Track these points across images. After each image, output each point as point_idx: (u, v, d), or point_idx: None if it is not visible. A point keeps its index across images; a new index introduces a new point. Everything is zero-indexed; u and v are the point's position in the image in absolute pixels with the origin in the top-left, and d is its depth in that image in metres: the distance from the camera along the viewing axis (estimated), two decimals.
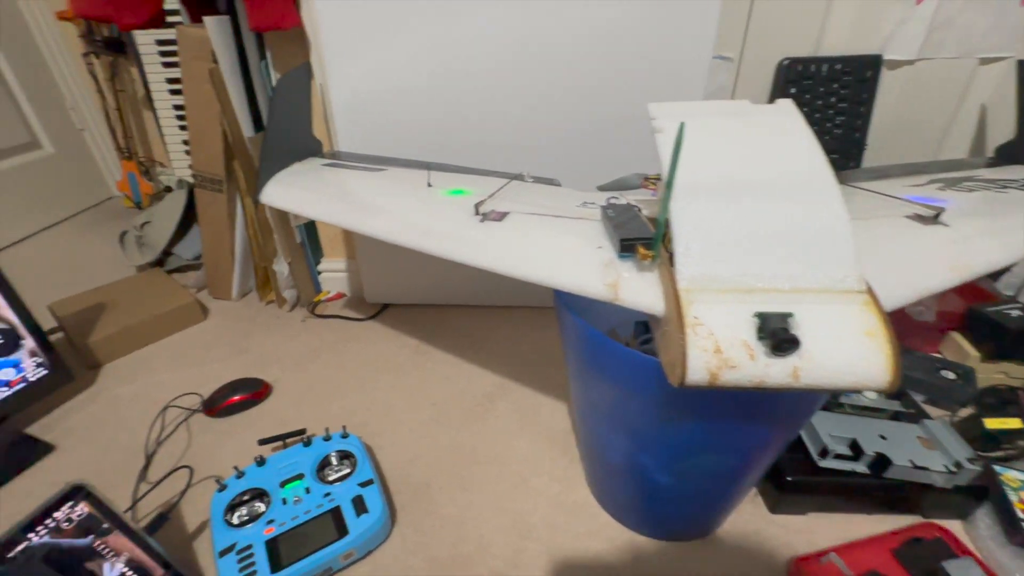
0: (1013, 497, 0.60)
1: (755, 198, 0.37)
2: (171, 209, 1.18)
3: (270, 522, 0.59)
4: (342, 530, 0.58)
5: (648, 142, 0.43)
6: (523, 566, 0.60)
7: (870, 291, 0.34)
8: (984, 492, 0.61)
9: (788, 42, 0.99)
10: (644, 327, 0.65)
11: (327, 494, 0.62)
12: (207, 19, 0.83)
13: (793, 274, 0.35)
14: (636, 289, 0.39)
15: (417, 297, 1.07)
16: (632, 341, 0.65)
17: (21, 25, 1.39)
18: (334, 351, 0.95)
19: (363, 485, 0.63)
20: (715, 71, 1.01)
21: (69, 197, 1.56)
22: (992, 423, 0.68)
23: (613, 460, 0.58)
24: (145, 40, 1.26)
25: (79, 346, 0.90)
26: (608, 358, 0.48)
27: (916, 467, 0.59)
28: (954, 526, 0.61)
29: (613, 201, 0.53)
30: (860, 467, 0.61)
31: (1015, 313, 0.80)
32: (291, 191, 0.67)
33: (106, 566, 0.51)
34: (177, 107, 1.35)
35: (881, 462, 0.60)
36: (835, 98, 1.02)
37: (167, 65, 1.29)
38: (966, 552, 0.57)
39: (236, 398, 0.82)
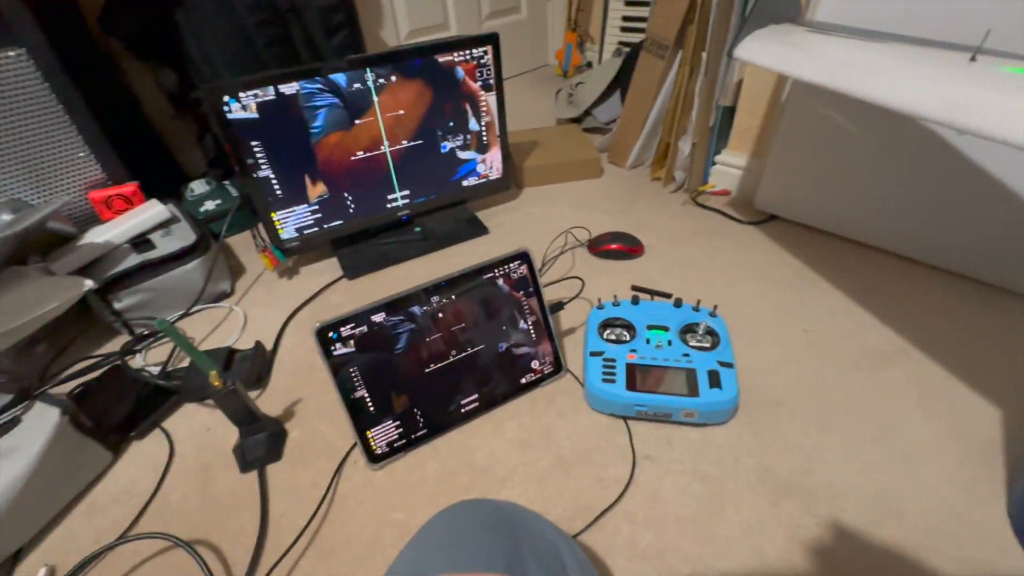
0: None
1: None
2: (603, 75, 1.30)
3: (633, 351, 0.64)
4: (693, 390, 0.59)
5: None
6: (876, 538, 0.50)
7: None
8: None
9: None
10: None
11: (686, 354, 0.63)
12: None
13: None
14: None
15: (815, 218, 0.92)
16: None
17: None
18: (709, 241, 0.93)
19: (722, 364, 0.62)
20: None
21: (523, 57, 1.91)
22: None
23: None
24: None
25: (516, 167, 1.13)
26: None
27: None
28: None
29: None
30: None
31: None
32: (771, 47, 0.62)
33: (523, 317, 0.66)
34: None
35: None
36: None
37: None
38: None
39: (615, 246, 0.91)
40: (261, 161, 0.80)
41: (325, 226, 0.90)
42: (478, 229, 1.01)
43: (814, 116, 0.83)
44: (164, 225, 0.86)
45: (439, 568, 0.29)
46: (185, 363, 0.74)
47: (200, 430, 0.66)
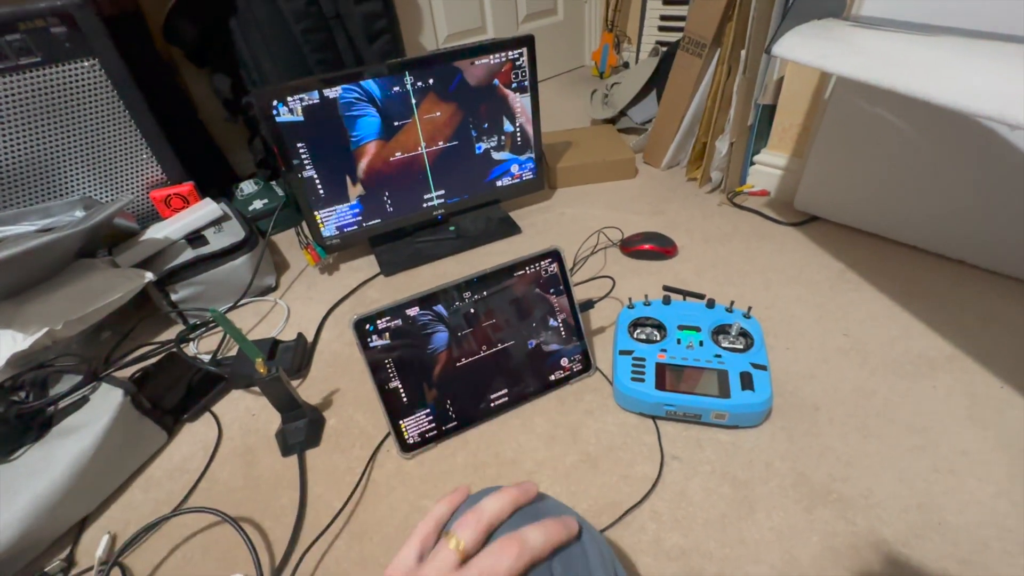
0: None
1: None
2: (639, 75, 1.29)
3: (663, 350, 0.64)
4: (724, 392, 0.59)
5: None
6: (917, 550, 0.48)
7: None
8: None
9: None
10: None
11: (718, 355, 0.63)
12: None
13: None
14: None
15: (858, 219, 0.89)
16: None
17: None
18: (745, 243, 0.91)
19: (755, 367, 0.61)
20: None
21: (559, 59, 1.91)
22: None
23: None
24: None
25: (550, 167, 1.14)
26: None
27: None
28: None
29: None
30: None
31: None
32: (812, 43, 0.60)
33: (553, 315, 0.67)
34: None
35: None
36: None
37: None
38: None
39: (648, 246, 0.90)
40: (306, 162, 0.84)
41: (364, 225, 0.94)
42: (511, 229, 1.03)
43: (858, 113, 0.81)
44: (216, 222, 0.92)
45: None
46: (233, 352, 0.79)
47: (246, 415, 0.70)
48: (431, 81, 0.85)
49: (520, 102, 0.94)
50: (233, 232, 0.89)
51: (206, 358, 0.78)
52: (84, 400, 0.63)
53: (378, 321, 0.58)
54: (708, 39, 0.98)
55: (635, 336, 0.67)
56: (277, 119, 0.78)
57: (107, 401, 0.61)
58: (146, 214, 0.98)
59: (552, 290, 0.66)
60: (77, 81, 0.81)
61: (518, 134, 0.97)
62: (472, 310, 0.62)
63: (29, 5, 0.75)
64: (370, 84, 0.81)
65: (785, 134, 0.99)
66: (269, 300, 0.91)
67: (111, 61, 0.84)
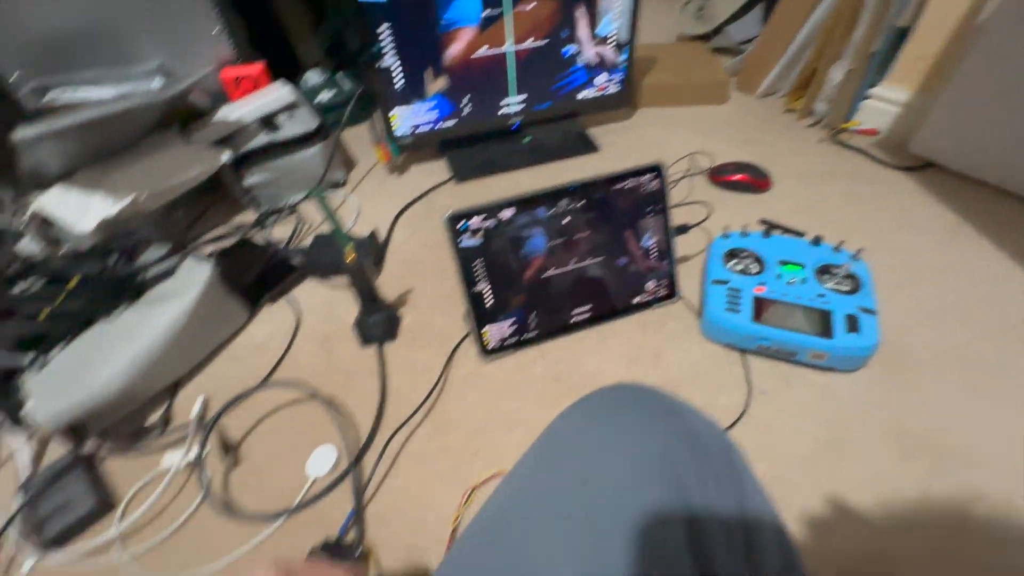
0: None
1: None
2: None
3: (762, 284, 0.61)
4: (827, 332, 0.55)
5: None
6: (1019, 513, 0.46)
7: None
8: None
9: None
10: None
11: (822, 295, 0.59)
12: None
13: None
14: None
15: (986, 170, 0.80)
16: None
17: None
18: (847, 184, 0.84)
19: (863, 311, 0.57)
20: None
21: None
22: None
23: None
24: None
25: (635, 84, 1.05)
26: None
27: None
28: None
29: None
30: None
31: None
32: None
33: (646, 235, 0.63)
34: None
35: None
36: None
37: None
38: None
39: (740, 177, 0.84)
40: (386, 49, 0.78)
41: (438, 126, 0.89)
42: (588, 146, 0.97)
43: (1018, 46, 0.70)
44: (289, 108, 0.88)
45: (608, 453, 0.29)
46: (307, 242, 0.78)
47: (321, 304, 0.71)
48: None
49: (619, 3, 0.84)
50: (305, 120, 0.86)
51: (279, 246, 0.78)
52: (170, 272, 0.64)
53: (472, 219, 0.56)
54: None
55: (730, 267, 0.63)
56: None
57: (196, 274, 0.62)
58: (215, 95, 0.94)
59: (649, 209, 0.62)
60: None
61: (611, 40, 0.88)
62: (567, 220, 0.59)
63: None
64: None
65: (913, 66, 0.88)
66: (338, 195, 0.90)
67: None
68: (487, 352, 0.61)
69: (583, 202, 0.59)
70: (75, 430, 0.55)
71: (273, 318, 0.69)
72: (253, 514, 0.49)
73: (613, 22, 0.86)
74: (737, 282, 0.61)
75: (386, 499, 0.51)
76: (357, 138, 1.02)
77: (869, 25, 0.84)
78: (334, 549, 0.44)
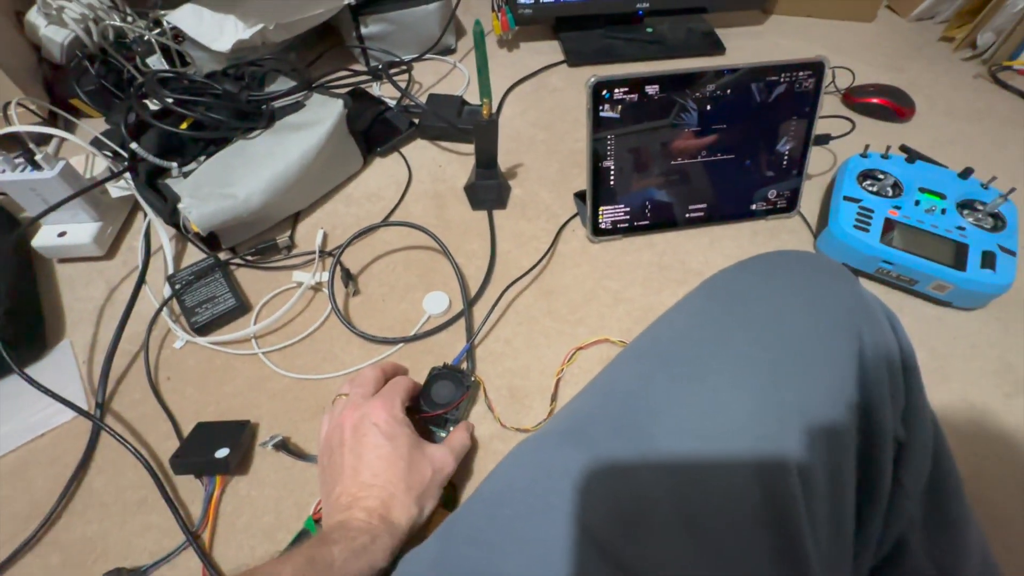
0: None
1: None
2: None
3: (897, 207, 0.58)
4: (960, 264, 0.54)
5: None
6: None
7: None
8: None
9: None
10: None
11: (961, 228, 0.56)
12: None
13: None
14: None
15: None
16: None
17: None
18: (1000, 126, 0.77)
19: (1003, 250, 0.54)
20: None
21: None
22: None
23: None
24: None
25: None
26: None
27: None
28: None
29: None
30: None
31: None
32: None
33: (784, 138, 0.60)
34: None
35: None
36: None
37: None
38: None
39: (880, 100, 0.77)
40: None
41: None
42: (714, 46, 0.90)
43: None
44: None
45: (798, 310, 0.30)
46: (421, 101, 0.78)
47: (433, 165, 0.72)
48: None
49: None
50: None
51: (391, 101, 0.78)
52: (300, 105, 0.65)
53: (616, 90, 0.54)
54: None
55: (864, 186, 0.61)
56: None
57: (327, 108, 0.63)
58: None
59: (795, 111, 0.59)
60: None
61: None
62: (709, 107, 0.57)
63: None
64: None
65: None
66: (448, 61, 0.87)
67: None
68: (598, 232, 0.62)
69: (730, 91, 0.56)
70: (210, 239, 0.59)
71: (385, 171, 0.71)
72: (375, 336, 0.54)
73: None
74: (870, 201, 0.59)
75: (494, 346, 0.54)
76: (469, 6, 0.97)
77: None
78: (451, 372, 0.49)
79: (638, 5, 0.86)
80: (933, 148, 0.73)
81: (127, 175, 0.58)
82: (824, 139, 0.63)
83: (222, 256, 0.60)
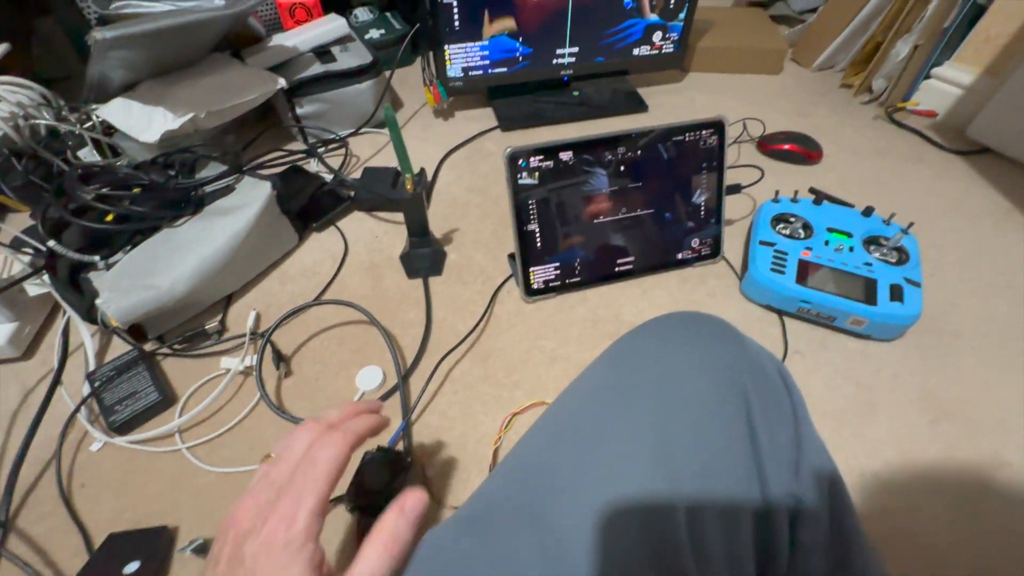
0: None
1: None
2: None
3: (808, 248, 0.61)
4: (870, 299, 0.56)
5: None
6: None
7: None
8: None
9: None
10: None
11: (868, 264, 0.59)
12: None
13: None
14: None
15: None
16: None
17: None
18: (900, 163, 0.83)
19: (909, 282, 0.57)
20: None
21: None
22: None
23: None
24: None
25: (690, 47, 1.03)
26: None
27: None
28: None
29: None
30: None
31: None
32: None
33: (698, 190, 0.63)
34: None
35: None
36: None
37: None
38: None
39: (790, 146, 0.83)
40: None
41: (490, 71, 0.88)
42: (637, 105, 0.95)
43: None
44: (342, 41, 0.88)
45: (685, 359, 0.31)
46: (357, 174, 0.79)
47: (369, 236, 0.72)
48: None
49: None
50: (359, 54, 0.86)
51: (327, 176, 0.79)
52: (230, 189, 0.66)
53: (532, 158, 0.56)
54: None
55: (777, 230, 0.64)
56: None
57: (256, 191, 0.63)
58: (269, 22, 0.94)
59: (704, 165, 0.62)
60: None
61: None
62: (622, 167, 0.60)
63: None
64: None
65: (984, 46, 0.85)
66: (384, 133, 0.90)
67: None
68: (531, 292, 0.63)
69: (640, 151, 0.59)
70: (135, 331, 0.58)
71: (321, 245, 0.71)
72: (304, 419, 0.52)
73: None
74: (784, 244, 0.62)
75: (430, 419, 0.53)
76: (403, 80, 1.02)
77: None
78: (387, 455, 0.47)
79: (563, 72, 0.92)
80: (842, 187, 0.78)
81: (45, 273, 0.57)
82: (735, 188, 0.66)
83: (148, 347, 0.58)
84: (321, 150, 0.85)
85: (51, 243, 0.55)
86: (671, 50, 0.94)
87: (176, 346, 0.58)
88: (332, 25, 0.86)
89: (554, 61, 0.90)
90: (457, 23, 0.81)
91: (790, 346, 0.59)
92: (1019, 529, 0.46)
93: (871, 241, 0.62)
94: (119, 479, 0.49)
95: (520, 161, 0.56)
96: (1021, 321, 0.60)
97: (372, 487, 0.45)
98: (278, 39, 0.85)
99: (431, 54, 0.86)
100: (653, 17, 0.88)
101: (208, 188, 0.65)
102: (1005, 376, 0.56)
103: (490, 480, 0.32)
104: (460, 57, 0.86)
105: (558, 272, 0.63)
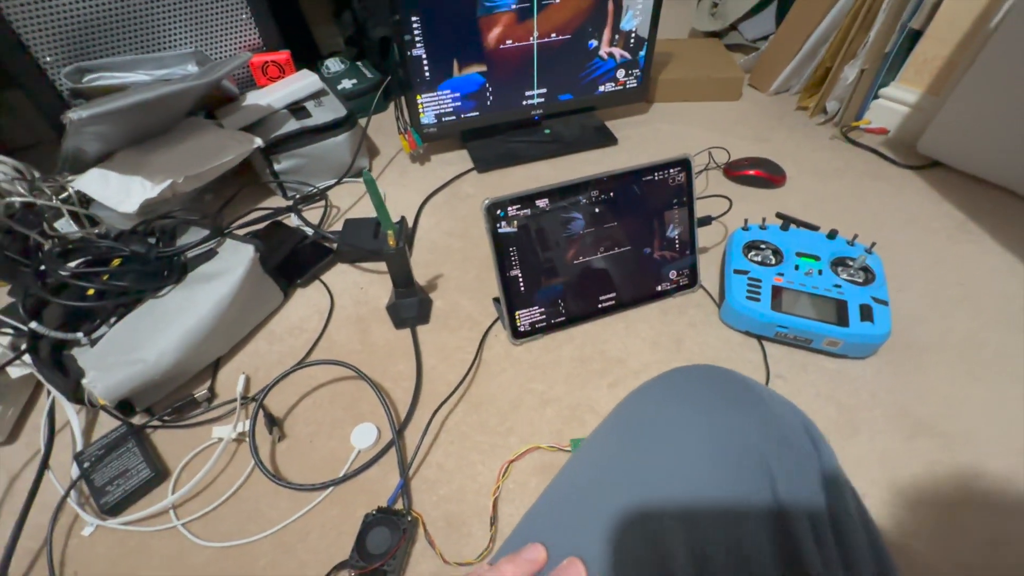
0: None
1: None
2: None
3: (780, 274, 0.64)
4: (842, 320, 0.59)
5: None
6: (1018, 484, 0.50)
7: None
8: None
9: None
10: None
11: (837, 286, 0.62)
12: None
13: None
14: None
15: (991, 171, 0.83)
16: None
17: None
18: (858, 181, 0.87)
19: (877, 301, 0.60)
20: None
21: None
22: None
23: None
24: None
25: (652, 80, 1.07)
26: None
27: None
28: None
29: None
30: None
31: None
32: None
33: (671, 225, 0.66)
34: None
35: None
36: None
37: None
38: None
39: (755, 172, 0.87)
40: (417, 39, 0.80)
41: (463, 116, 0.91)
42: (607, 139, 0.99)
43: None
44: (316, 96, 0.90)
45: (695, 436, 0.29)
46: (338, 226, 0.80)
47: (354, 288, 0.73)
48: None
49: (641, 0, 0.87)
50: (333, 108, 0.88)
51: (308, 231, 0.80)
52: (212, 253, 0.66)
53: (509, 208, 0.58)
54: None
55: (750, 258, 0.67)
56: None
57: (239, 255, 0.64)
58: (242, 81, 0.96)
59: (675, 200, 0.65)
60: None
61: (632, 35, 0.90)
62: (597, 210, 0.62)
63: None
64: None
65: (924, 67, 0.90)
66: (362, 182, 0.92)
67: None
68: (518, 335, 0.64)
69: (613, 193, 0.62)
70: (123, 405, 0.57)
71: (307, 301, 0.72)
72: (303, 484, 0.52)
73: (635, 18, 0.88)
74: (757, 272, 0.64)
75: (427, 473, 0.54)
76: (378, 127, 1.04)
77: (884, 26, 0.87)
78: (385, 515, 0.47)
79: (533, 112, 0.95)
80: (807, 208, 0.82)
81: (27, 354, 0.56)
82: (707, 220, 0.69)
83: (137, 420, 0.58)
84: (301, 205, 0.86)
85: (32, 324, 0.55)
86: (635, 85, 0.98)
87: (166, 417, 0.58)
88: (305, 82, 0.88)
89: (524, 102, 0.93)
90: (428, 73, 0.84)
91: (772, 371, 0.61)
92: (1001, 538, 0.48)
93: (838, 263, 0.65)
94: (113, 563, 0.48)
95: (499, 211, 0.58)
96: (980, 331, 0.64)
97: (375, 550, 0.45)
98: (252, 98, 0.87)
99: (404, 103, 0.88)
100: (615, 56, 0.92)
101: (190, 253, 0.66)
102: (971, 388, 0.58)
103: (503, 548, 0.32)
104: (433, 105, 0.88)
105: (543, 313, 0.64)
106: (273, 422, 0.57)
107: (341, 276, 0.75)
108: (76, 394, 0.54)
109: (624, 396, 0.35)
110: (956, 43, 0.85)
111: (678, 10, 1.44)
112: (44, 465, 0.52)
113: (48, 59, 0.77)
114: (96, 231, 0.72)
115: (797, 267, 0.65)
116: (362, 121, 0.98)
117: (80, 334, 0.57)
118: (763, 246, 0.68)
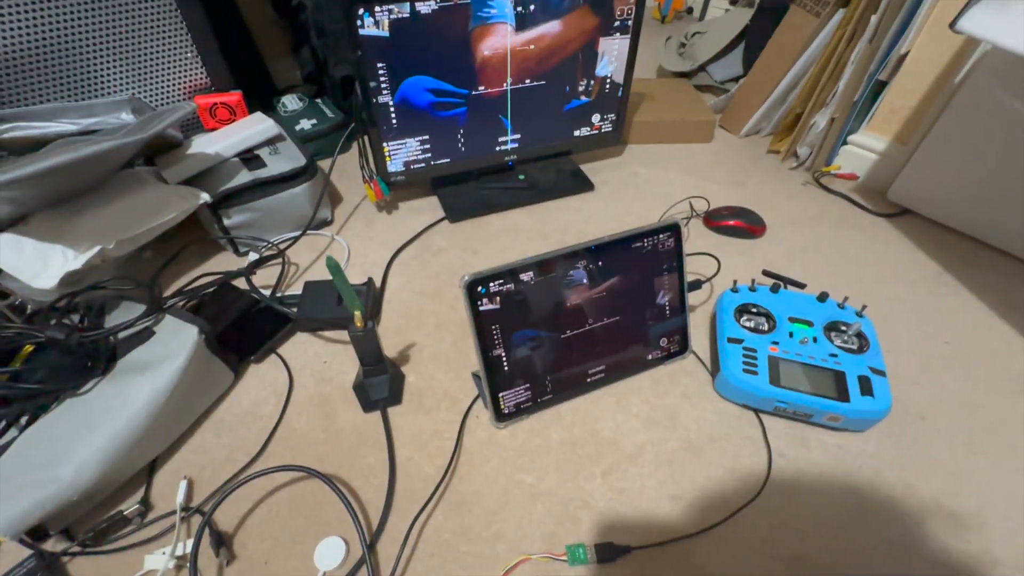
0: None
1: None
2: (727, 27, 1.18)
3: (775, 343, 0.61)
4: (843, 395, 0.56)
5: None
6: None
7: None
8: None
9: None
10: None
11: (834, 355, 0.60)
12: None
13: None
14: None
15: (961, 221, 0.84)
16: None
17: None
18: (834, 230, 0.87)
19: (874, 371, 0.58)
20: None
21: None
22: None
23: None
24: None
25: (626, 122, 1.05)
26: None
27: None
28: None
29: None
30: None
31: None
32: (1014, 19, 0.53)
33: (661, 292, 0.62)
34: None
35: None
36: None
37: None
38: None
39: (735, 222, 0.85)
40: (383, 86, 0.74)
41: (433, 163, 0.85)
42: (583, 184, 0.95)
43: (992, 104, 0.74)
44: (271, 142, 0.82)
45: None
46: (296, 290, 0.73)
47: (316, 361, 0.66)
48: (532, 7, 0.75)
49: (618, 44, 0.84)
50: (291, 155, 0.80)
51: (265, 292, 0.72)
52: (148, 333, 0.58)
53: (491, 283, 0.53)
54: None
55: (742, 323, 0.64)
56: (361, 32, 0.68)
57: (180, 338, 0.56)
58: (187, 124, 0.88)
59: (665, 267, 0.61)
60: None
61: (609, 79, 0.88)
62: (584, 280, 0.57)
63: None
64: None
65: (891, 116, 0.92)
66: (325, 235, 0.84)
67: None
68: (501, 417, 0.58)
69: (601, 262, 0.58)
70: (34, 530, 0.47)
71: (262, 380, 0.64)
72: None
73: (610, 64, 0.86)
74: (751, 341, 0.61)
75: None
76: (341, 169, 0.97)
77: (854, 76, 0.88)
78: None
79: (506, 158, 0.91)
80: (788, 260, 0.81)
81: None
82: (696, 285, 0.66)
83: (50, 545, 0.48)
84: (267, 262, 0.77)
85: None
86: (610, 129, 0.95)
87: (87, 542, 0.49)
88: (259, 127, 0.81)
89: (497, 148, 0.89)
90: (395, 121, 0.78)
91: (773, 449, 0.57)
92: None
93: (831, 328, 0.63)
94: None
95: (479, 288, 0.53)
96: (972, 393, 0.63)
97: None
98: (199, 144, 0.79)
99: (368, 146, 0.82)
100: (589, 100, 0.89)
101: (122, 335, 0.57)
102: (971, 457, 0.57)
103: None
104: (401, 152, 0.82)
105: (529, 393, 0.59)
106: (221, 541, 0.48)
107: (301, 347, 0.68)
108: None
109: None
110: (922, 94, 0.87)
111: (644, 47, 1.44)
112: None
113: None
114: (4, 304, 0.62)
115: (791, 334, 0.62)
116: (324, 163, 0.91)
117: None
118: (754, 310, 0.65)
